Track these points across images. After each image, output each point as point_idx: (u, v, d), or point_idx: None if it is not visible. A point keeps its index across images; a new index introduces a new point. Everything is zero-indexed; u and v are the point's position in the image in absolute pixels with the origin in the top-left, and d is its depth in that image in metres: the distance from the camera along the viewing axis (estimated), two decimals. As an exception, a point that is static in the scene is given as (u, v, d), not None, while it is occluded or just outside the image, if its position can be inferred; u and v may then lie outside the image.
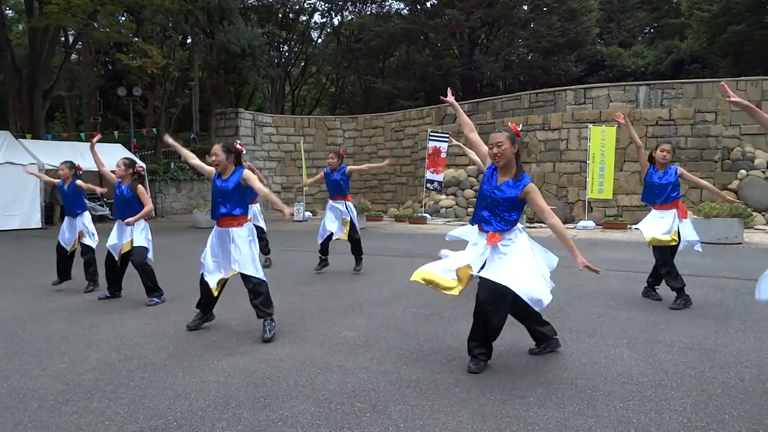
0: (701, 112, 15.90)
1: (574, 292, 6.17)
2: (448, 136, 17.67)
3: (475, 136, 3.95)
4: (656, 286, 5.72)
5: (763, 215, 13.98)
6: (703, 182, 5.84)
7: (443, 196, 17.60)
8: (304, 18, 31.26)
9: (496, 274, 3.44)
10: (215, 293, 4.58)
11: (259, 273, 4.38)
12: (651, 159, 5.63)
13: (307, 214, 18.55)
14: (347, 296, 6.00)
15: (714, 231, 10.74)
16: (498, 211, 3.57)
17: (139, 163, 6.30)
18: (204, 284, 4.56)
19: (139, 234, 5.74)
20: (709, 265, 7.78)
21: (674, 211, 5.42)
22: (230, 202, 4.46)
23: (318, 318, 5.03)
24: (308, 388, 3.32)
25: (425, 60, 27.96)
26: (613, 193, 14.61)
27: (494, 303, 3.46)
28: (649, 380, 3.42)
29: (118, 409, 3.08)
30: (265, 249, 8.03)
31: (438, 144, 17.14)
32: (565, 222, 15.35)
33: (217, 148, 4.53)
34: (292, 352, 4.03)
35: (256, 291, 4.38)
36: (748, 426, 2.79)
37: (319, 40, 33.47)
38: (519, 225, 3.66)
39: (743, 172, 15.02)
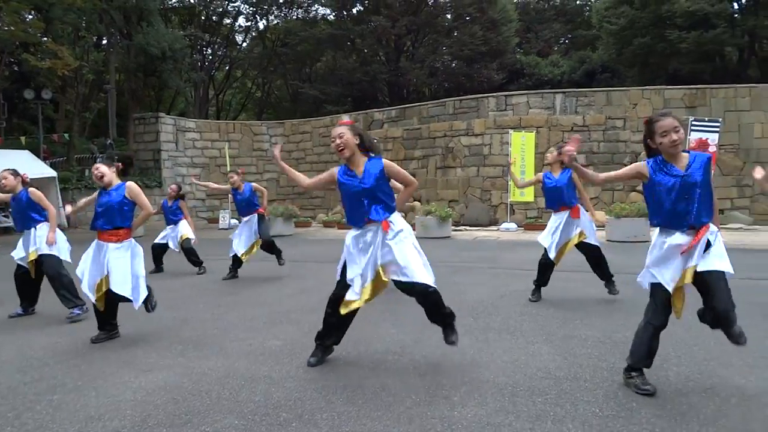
0: (611, 119, 16.92)
1: (498, 292, 6.38)
2: (376, 140, 17.80)
3: (311, 180, 4.25)
4: (611, 279, 5.86)
5: (668, 215, 15.02)
6: (584, 193, 5.90)
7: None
8: (228, 21, 30.57)
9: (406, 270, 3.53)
10: (99, 306, 4.48)
11: (132, 292, 4.40)
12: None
13: (233, 221, 18.10)
14: (274, 304, 5.91)
15: (623, 230, 11.45)
16: (378, 198, 3.63)
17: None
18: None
19: (43, 241, 5.36)
20: (619, 262, 8.25)
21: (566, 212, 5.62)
22: (107, 216, 4.44)
23: (243, 328, 4.92)
24: (232, 402, 3.24)
25: (352, 66, 28.07)
26: (534, 196, 15.23)
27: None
28: (566, 374, 3.59)
29: (22, 435, 2.87)
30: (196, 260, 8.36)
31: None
32: (489, 224, 15.88)
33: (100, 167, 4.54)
34: (215, 364, 3.91)
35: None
36: (652, 412, 2.99)
37: (244, 44, 32.83)
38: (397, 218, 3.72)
39: (650, 174, 16.08)
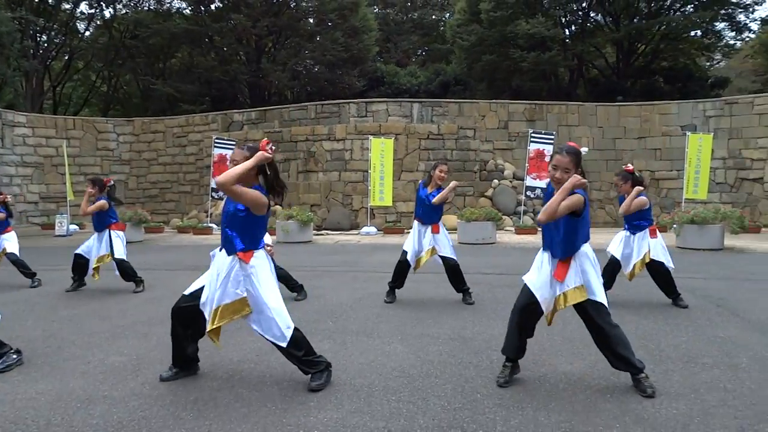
0: (463, 129, 18.07)
1: (357, 294, 6.50)
2: (235, 143, 17.25)
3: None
4: (467, 290, 6.07)
5: (511, 218, 16.41)
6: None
7: (231, 205, 17.11)
8: (67, 6, 27.67)
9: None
10: None
11: None
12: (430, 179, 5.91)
13: (72, 227, 16.44)
14: (118, 317, 5.45)
15: (473, 233, 12.27)
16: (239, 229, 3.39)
17: None
18: None
19: None
20: (469, 263, 8.84)
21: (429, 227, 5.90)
22: None
23: (81, 344, 4.47)
24: (64, 427, 2.92)
25: (210, 64, 26.88)
26: (393, 201, 15.76)
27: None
28: (418, 371, 3.75)
29: None
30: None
31: (224, 151, 16.62)
32: (350, 228, 16.12)
33: None
34: (45, 387, 3.50)
35: None
36: (494, 402, 3.23)
37: (87, 33, 29.92)
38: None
39: (496, 181, 17.45)
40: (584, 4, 25.84)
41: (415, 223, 5.99)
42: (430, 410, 3.11)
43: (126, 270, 6.79)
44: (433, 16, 38.22)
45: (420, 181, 6.09)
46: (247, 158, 3.31)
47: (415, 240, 5.90)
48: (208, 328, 3.38)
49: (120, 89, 31.53)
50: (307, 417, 3.03)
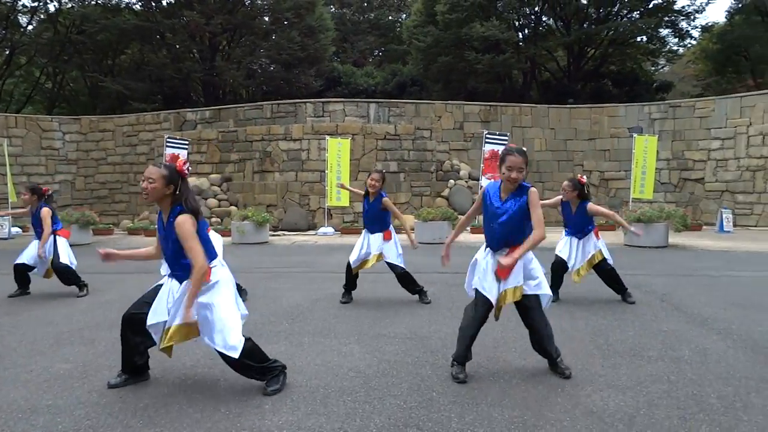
0: (420, 129, 18.21)
1: (314, 295, 6.46)
2: (188, 143, 16.89)
3: None
4: (423, 291, 6.13)
5: (468, 218, 16.63)
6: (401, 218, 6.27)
7: (184, 206, 16.70)
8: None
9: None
10: None
11: None
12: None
13: (15, 230, 15.73)
14: (64, 323, 5.24)
15: (430, 232, 12.38)
16: (177, 257, 3.30)
17: None
18: None
19: None
20: (425, 263, 8.91)
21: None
22: None
23: (23, 352, 4.28)
24: (4, 439, 2.79)
25: (162, 61, 26.18)
26: (350, 201, 15.73)
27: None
28: (374, 371, 3.76)
29: None
30: None
31: (177, 151, 16.22)
32: (307, 229, 16.00)
33: None
34: (-17, 397, 3.34)
35: None
36: (449, 399, 3.27)
37: (30, 27, 28.65)
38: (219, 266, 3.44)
39: (452, 181, 17.67)
40: (536, 9, 26.48)
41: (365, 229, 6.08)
42: (386, 410, 3.12)
43: (68, 275, 6.59)
44: (390, 17, 38.40)
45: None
46: (164, 177, 3.24)
47: (362, 244, 5.98)
48: (161, 346, 3.33)
49: (66, 86, 30.34)
50: (262, 420, 2.99)
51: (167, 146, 16.25)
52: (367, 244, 5.99)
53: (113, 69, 28.44)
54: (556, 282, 5.91)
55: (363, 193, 6.12)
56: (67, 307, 5.97)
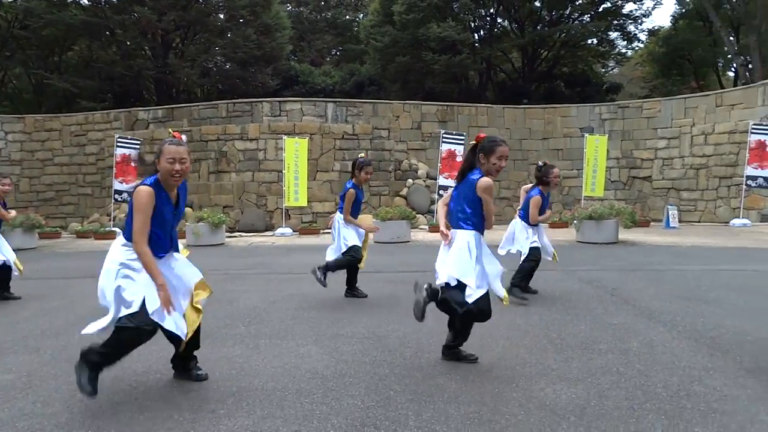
0: (378, 129, 18.26)
1: (271, 297, 6.38)
2: (140, 143, 16.44)
3: None
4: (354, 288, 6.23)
5: (425, 217, 16.77)
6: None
7: (137, 208, 16.22)
8: (-58, -9, 25.06)
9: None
10: None
11: None
12: None
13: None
14: (6, 331, 5.01)
15: (389, 232, 12.42)
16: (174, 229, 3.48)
17: None
18: None
19: None
20: (383, 262, 8.96)
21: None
22: None
23: (-39, 363, 4.07)
24: (-61, 455, 2.65)
25: (112, 58, 25.39)
26: (308, 201, 15.63)
27: None
28: (332, 372, 3.74)
29: None
30: None
31: (128, 151, 15.77)
32: (265, 230, 15.81)
33: None
34: None
35: None
36: (406, 397, 3.28)
37: (-33, 21, 27.26)
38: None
39: (410, 181, 17.78)
40: (492, 10, 26.93)
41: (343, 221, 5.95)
42: (344, 410, 3.11)
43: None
44: (347, 16, 38.32)
45: (351, 182, 5.92)
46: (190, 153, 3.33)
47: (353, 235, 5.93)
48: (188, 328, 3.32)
49: (8, 83, 29.02)
50: (217, 426, 2.93)
51: (118, 146, 15.77)
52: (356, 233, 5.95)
53: (60, 66, 27.38)
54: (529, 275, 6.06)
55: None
56: (11, 315, 5.71)
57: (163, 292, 3.10)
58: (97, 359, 3.17)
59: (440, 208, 3.98)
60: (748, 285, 6.70)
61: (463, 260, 3.64)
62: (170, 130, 3.50)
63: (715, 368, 3.72)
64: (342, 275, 6.24)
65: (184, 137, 3.44)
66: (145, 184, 3.20)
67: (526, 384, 3.46)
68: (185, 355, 3.57)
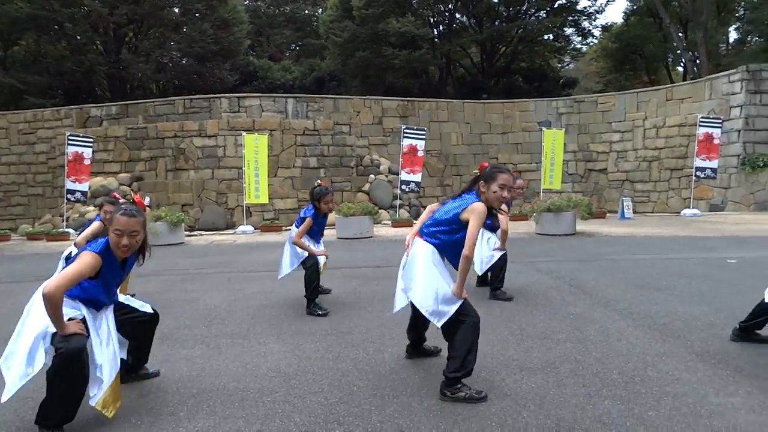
0: (339, 125, 18.18)
1: (232, 296, 6.29)
2: (93, 140, 15.92)
3: None
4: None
5: (388, 212, 16.81)
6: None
7: (90, 208, 15.73)
8: None
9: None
10: None
11: None
12: None
13: None
14: (-49, 339, 4.78)
15: (352, 227, 12.40)
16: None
17: None
18: None
19: None
20: (346, 258, 8.94)
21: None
22: None
23: None
24: None
25: (61, 53, 24.46)
26: (270, 198, 15.44)
27: None
28: (295, 370, 3.71)
29: None
30: None
31: (80, 149, 15.25)
32: (226, 228, 15.56)
33: None
34: None
35: None
36: (369, 392, 3.29)
37: None
38: None
39: (372, 176, 17.78)
40: (450, 6, 27.11)
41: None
42: (307, 407, 3.10)
43: None
44: (306, 11, 37.95)
45: (312, 211, 5.37)
46: (145, 223, 3.07)
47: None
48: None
49: (-50, 79, 27.63)
50: (177, 428, 2.87)
51: (69, 144, 15.23)
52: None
53: (5, 61, 26.21)
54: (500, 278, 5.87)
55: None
56: (-45, 322, 5.45)
57: (73, 326, 2.80)
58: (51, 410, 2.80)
59: (424, 213, 3.67)
60: (697, 272, 6.96)
61: (428, 280, 3.32)
62: (131, 192, 3.28)
63: (668, 353, 3.86)
64: (301, 273, 6.16)
65: (147, 199, 3.16)
66: (93, 252, 2.89)
67: (487, 375, 3.52)
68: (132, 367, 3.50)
